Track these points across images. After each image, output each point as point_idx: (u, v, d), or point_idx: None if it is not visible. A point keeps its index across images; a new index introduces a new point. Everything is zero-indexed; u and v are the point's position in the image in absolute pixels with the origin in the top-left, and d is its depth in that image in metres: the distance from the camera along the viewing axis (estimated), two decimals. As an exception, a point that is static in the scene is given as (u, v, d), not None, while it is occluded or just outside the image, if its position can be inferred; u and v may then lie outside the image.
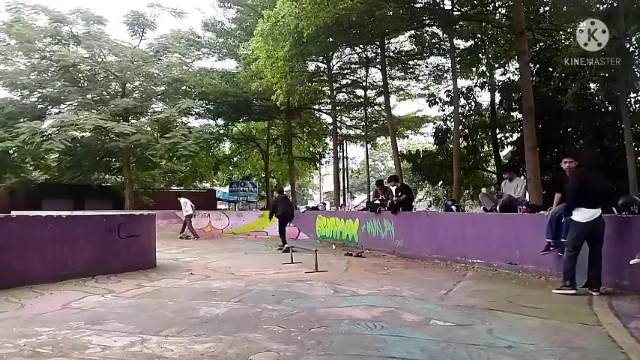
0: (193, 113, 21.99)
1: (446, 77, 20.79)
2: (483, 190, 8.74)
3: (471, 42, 18.18)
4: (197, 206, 16.33)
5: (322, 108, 24.93)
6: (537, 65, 15.73)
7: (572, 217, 5.31)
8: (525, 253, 6.77)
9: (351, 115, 26.32)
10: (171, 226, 16.10)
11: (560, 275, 5.57)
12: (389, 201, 10.45)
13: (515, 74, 17.59)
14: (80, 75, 18.81)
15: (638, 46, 13.80)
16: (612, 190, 5.65)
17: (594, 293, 5.14)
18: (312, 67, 20.80)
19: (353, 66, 22.20)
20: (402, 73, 21.78)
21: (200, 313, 4.54)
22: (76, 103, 18.51)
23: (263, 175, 28.94)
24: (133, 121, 19.29)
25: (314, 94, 22.10)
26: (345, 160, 28.07)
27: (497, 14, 16.59)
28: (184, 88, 20.41)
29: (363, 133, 24.92)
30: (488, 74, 19.45)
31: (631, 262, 4.95)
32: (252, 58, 17.01)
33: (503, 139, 19.57)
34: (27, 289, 5.71)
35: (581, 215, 5.22)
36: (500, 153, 19.52)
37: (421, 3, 15.60)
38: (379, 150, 38.05)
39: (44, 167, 20.01)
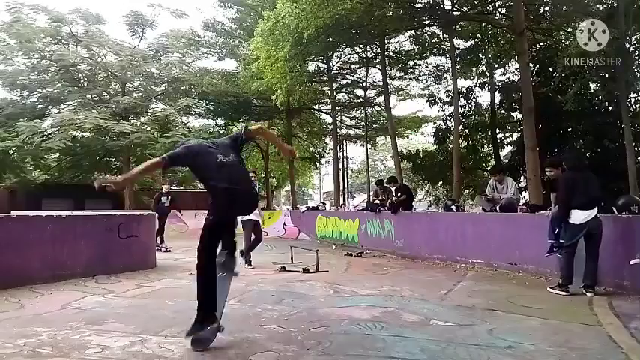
0: (193, 113, 22.02)
1: (446, 77, 20.80)
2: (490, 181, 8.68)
3: (471, 42, 18.21)
4: (198, 206, 15.72)
5: (322, 108, 24.93)
6: (537, 65, 15.73)
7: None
8: (525, 253, 6.76)
9: (351, 115, 26.32)
10: (172, 226, 16.06)
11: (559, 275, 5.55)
12: (389, 201, 10.44)
13: (515, 74, 17.61)
14: (80, 75, 18.84)
15: (638, 46, 13.81)
16: (602, 190, 5.54)
17: (588, 294, 5.07)
18: (312, 67, 20.81)
19: (353, 66, 22.21)
20: (402, 73, 21.79)
21: (200, 313, 4.52)
22: (76, 103, 18.54)
23: (263, 175, 28.93)
24: (132, 120, 19.30)
25: (314, 94, 22.10)
26: (345, 160, 28.07)
27: (498, 14, 16.60)
28: (184, 87, 20.45)
29: (363, 133, 24.92)
30: (488, 74, 19.45)
31: (631, 262, 4.95)
32: (252, 58, 17.01)
33: (503, 139, 19.59)
34: (27, 289, 5.70)
35: (575, 217, 5.15)
36: (500, 153, 19.52)
37: (421, 3, 15.61)
38: (379, 150, 38.04)
39: (44, 167, 20.02)
